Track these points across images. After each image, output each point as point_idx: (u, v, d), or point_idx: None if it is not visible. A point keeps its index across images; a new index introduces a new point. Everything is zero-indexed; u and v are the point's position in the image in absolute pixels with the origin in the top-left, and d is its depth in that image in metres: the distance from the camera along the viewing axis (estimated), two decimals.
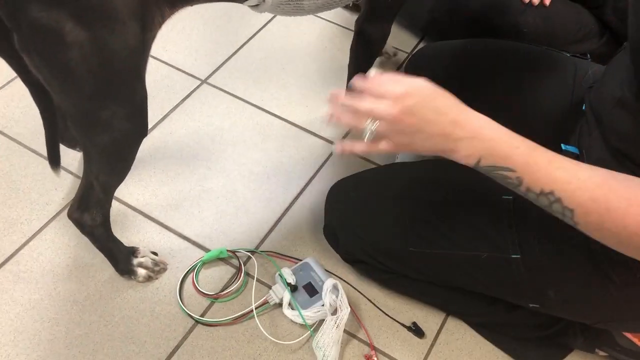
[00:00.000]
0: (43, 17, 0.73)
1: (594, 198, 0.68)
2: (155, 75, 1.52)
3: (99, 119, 0.86)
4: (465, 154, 0.73)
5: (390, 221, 1.04)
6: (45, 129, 1.03)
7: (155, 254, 1.17)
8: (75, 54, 0.77)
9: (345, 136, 1.42)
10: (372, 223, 1.06)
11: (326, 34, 1.67)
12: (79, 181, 1.27)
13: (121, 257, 1.13)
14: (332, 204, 1.15)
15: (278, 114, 1.47)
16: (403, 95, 0.72)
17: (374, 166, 1.36)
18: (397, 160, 1.32)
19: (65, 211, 1.23)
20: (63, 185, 1.29)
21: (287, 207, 1.29)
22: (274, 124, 1.45)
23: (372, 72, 0.72)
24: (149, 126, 1.35)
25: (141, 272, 1.13)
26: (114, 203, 1.25)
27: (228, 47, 1.62)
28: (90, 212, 1.02)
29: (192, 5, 0.93)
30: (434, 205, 1.02)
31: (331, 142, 1.42)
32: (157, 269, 1.15)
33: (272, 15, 1.71)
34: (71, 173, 1.31)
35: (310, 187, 1.33)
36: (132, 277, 1.14)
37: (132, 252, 1.14)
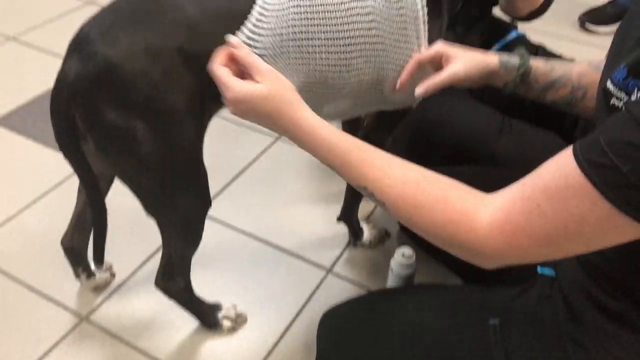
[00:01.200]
0: (118, 120, 0.87)
1: (402, 196, 0.77)
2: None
3: (172, 201, 1.01)
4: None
5: (383, 349, 1.05)
6: (94, 228, 1.12)
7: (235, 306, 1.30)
8: (146, 149, 0.91)
9: (331, 267, 1.46)
10: (365, 352, 1.07)
11: (315, 160, 1.75)
12: (74, 318, 1.29)
13: (208, 314, 1.27)
14: (324, 332, 1.15)
15: (269, 240, 1.51)
16: (235, 101, 0.84)
17: (365, 292, 1.38)
18: (388, 286, 1.34)
19: (58, 347, 1.24)
20: (57, 322, 1.29)
21: (279, 337, 1.29)
22: (266, 251, 1.49)
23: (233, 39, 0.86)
24: (143, 258, 1.39)
25: (226, 323, 1.28)
26: (115, 341, 1.26)
27: (220, 180, 1.69)
28: (174, 279, 1.16)
29: None
30: (424, 331, 1.03)
31: (323, 268, 1.44)
32: (240, 320, 1.29)
33: (264, 146, 1.81)
34: (67, 309, 1.32)
35: (302, 315, 1.34)
36: (218, 328, 1.28)
37: (217, 308, 1.28)
